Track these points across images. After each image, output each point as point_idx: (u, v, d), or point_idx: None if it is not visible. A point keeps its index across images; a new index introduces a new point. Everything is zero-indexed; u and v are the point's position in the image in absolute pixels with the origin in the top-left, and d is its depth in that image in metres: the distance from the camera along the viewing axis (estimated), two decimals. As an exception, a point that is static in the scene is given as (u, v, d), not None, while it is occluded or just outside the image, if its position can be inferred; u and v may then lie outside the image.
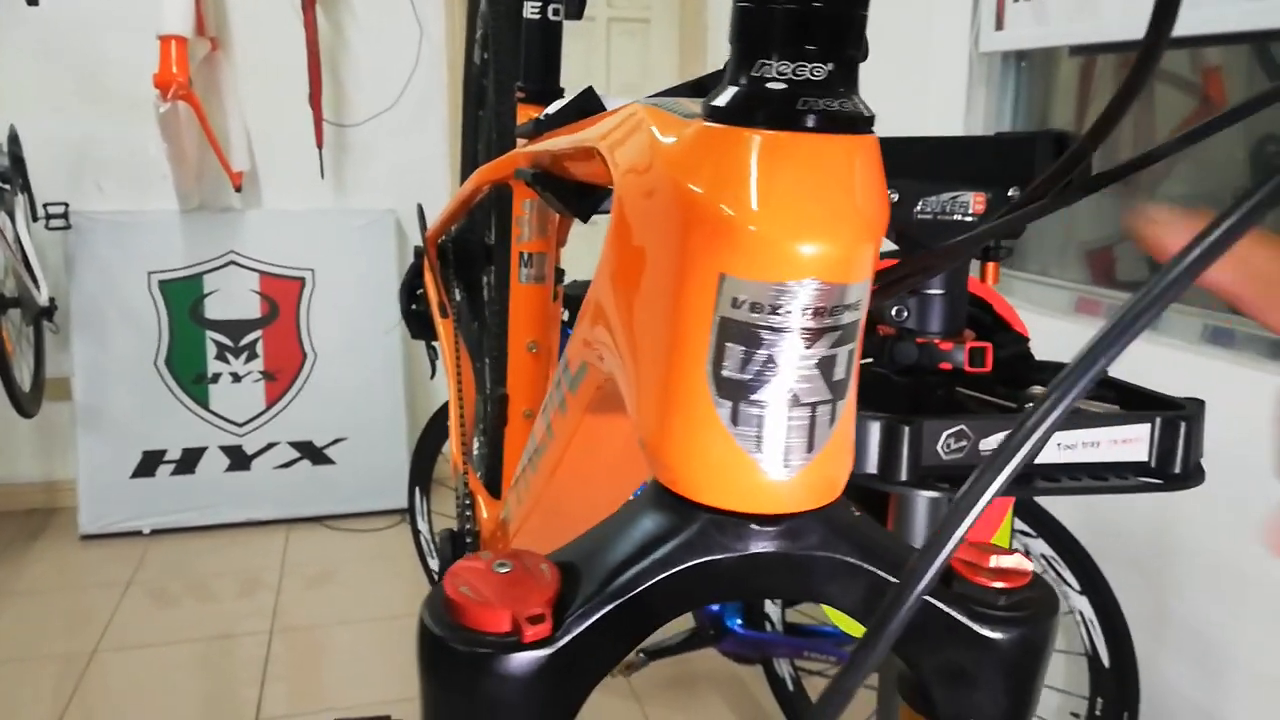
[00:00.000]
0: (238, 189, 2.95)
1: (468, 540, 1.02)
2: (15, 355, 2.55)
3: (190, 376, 2.94)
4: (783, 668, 1.81)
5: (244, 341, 2.98)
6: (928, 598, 0.34)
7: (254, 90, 2.97)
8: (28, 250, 2.62)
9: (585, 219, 0.66)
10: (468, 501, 1.06)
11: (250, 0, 2.93)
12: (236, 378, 2.98)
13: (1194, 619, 1.54)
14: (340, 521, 2.97)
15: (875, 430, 0.67)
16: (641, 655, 1.89)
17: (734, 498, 0.33)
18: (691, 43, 3.23)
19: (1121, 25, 1.65)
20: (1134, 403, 0.73)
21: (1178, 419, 0.67)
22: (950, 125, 2.04)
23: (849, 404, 0.33)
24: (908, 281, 0.36)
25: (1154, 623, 1.58)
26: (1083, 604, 1.49)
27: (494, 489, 1.07)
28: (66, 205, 2.79)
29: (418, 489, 2.39)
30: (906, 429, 0.67)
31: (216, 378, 2.96)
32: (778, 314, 0.30)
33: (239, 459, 2.97)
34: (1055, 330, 1.67)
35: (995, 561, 0.35)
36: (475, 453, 1.28)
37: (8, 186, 2.54)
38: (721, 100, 0.31)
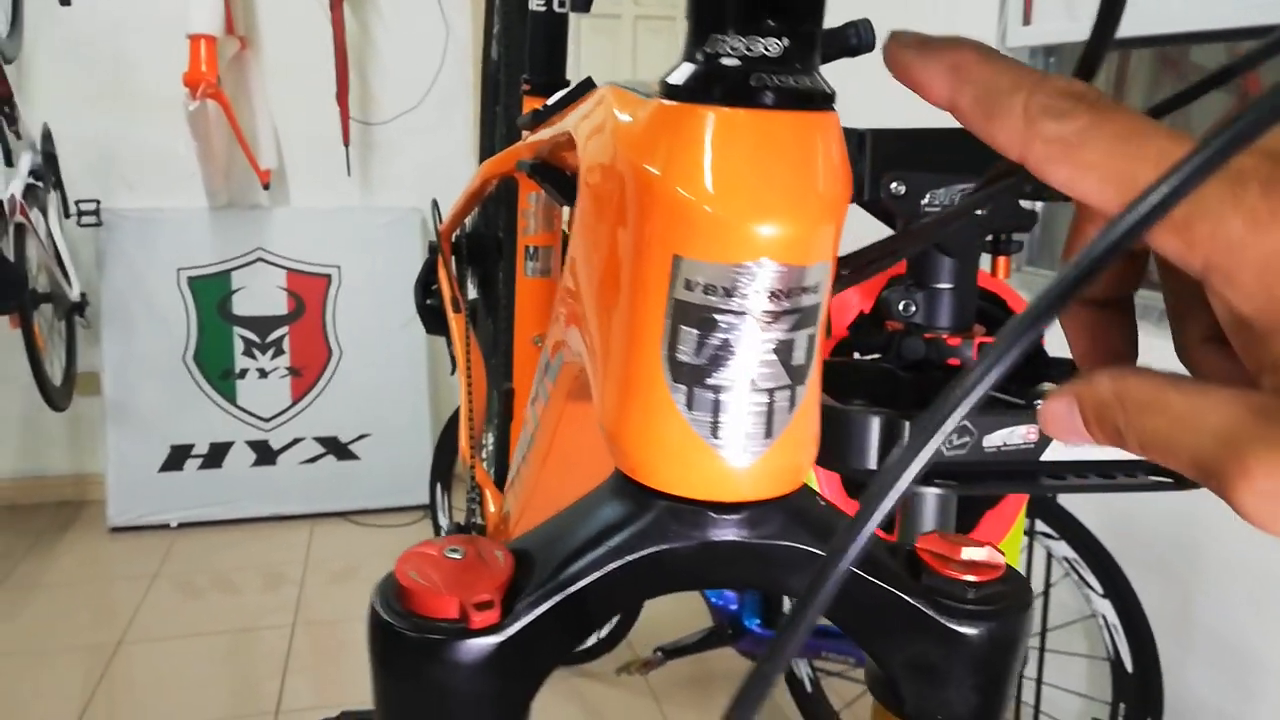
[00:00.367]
0: (266, 187, 2.98)
1: (473, 534, 1.02)
2: (47, 350, 2.60)
3: (218, 372, 2.97)
4: (801, 668, 1.79)
5: (271, 338, 3.01)
6: (895, 590, 0.33)
7: (282, 89, 3.00)
8: (60, 246, 2.66)
9: (582, 209, 0.66)
10: (475, 495, 1.06)
11: (279, -1, 2.96)
12: (263, 373, 3.00)
13: (1219, 623, 1.51)
14: (364, 517, 2.99)
15: (875, 426, 0.66)
16: (659, 654, 1.88)
17: (691, 485, 0.32)
18: (717, 40, 3.21)
19: (1155, 19, 1.62)
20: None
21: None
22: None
23: (810, 390, 0.32)
24: (874, 266, 0.35)
25: (1178, 627, 1.55)
26: (1105, 607, 1.46)
27: (502, 483, 1.07)
28: (98, 202, 2.83)
29: (439, 485, 2.40)
30: (907, 425, 0.65)
31: (244, 373, 2.99)
32: (733, 296, 0.29)
33: (265, 454, 3.00)
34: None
35: (965, 554, 0.34)
36: (489, 448, 1.28)
37: (41, 184, 2.58)
38: (676, 77, 0.30)
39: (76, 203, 2.81)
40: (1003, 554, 0.35)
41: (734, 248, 0.29)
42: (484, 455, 1.29)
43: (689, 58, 0.29)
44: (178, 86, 2.54)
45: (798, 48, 0.28)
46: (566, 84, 1.01)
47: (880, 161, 0.73)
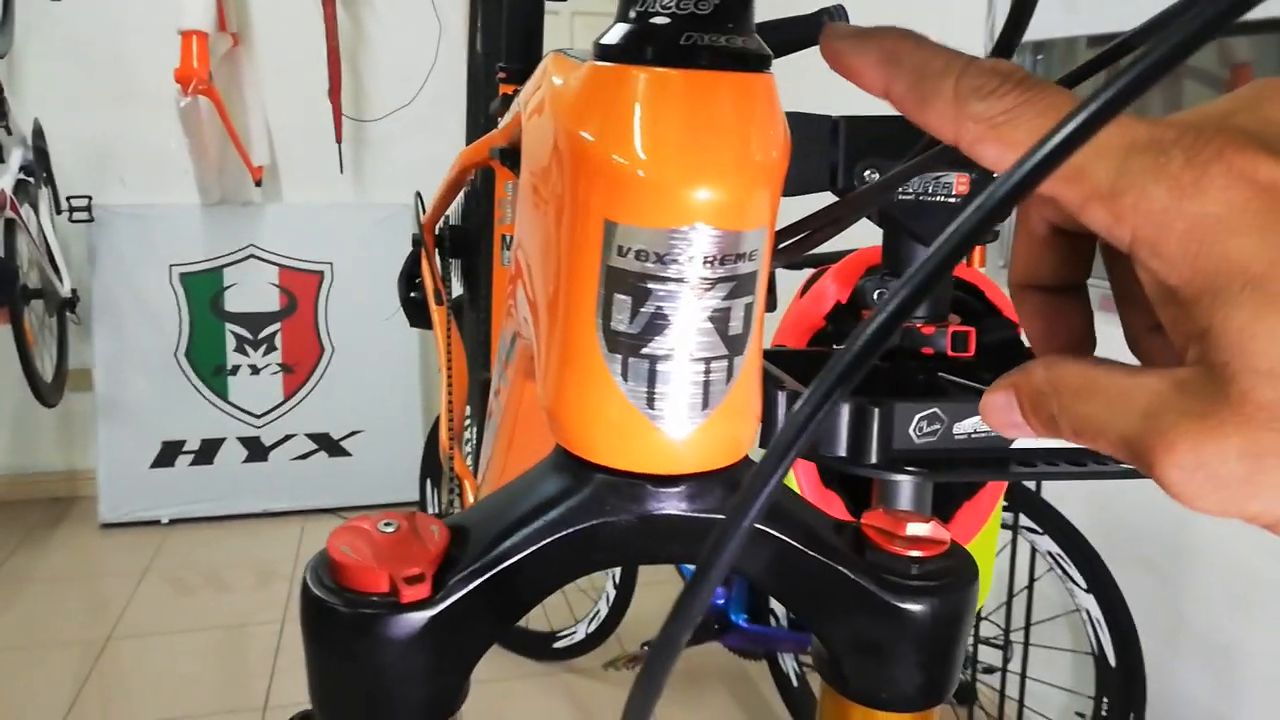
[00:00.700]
0: (258, 183, 2.97)
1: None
2: (38, 346, 2.59)
3: (210, 368, 2.96)
4: (787, 663, 1.79)
5: (263, 334, 3.00)
6: (838, 566, 0.33)
7: (274, 85, 2.99)
8: (51, 242, 2.66)
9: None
10: (456, 487, 1.06)
11: (271, -5, 2.95)
12: (255, 370, 3.00)
13: (1203, 618, 1.50)
14: (355, 513, 2.96)
15: (845, 413, 0.65)
16: (645, 648, 1.87)
17: (628, 458, 0.31)
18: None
19: (1145, 15, 1.61)
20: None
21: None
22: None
23: (750, 361, 0.32)
24: (817, 237, 0.35)
25: (1162, 622, 1.54)
26: (1089, 602, 1.46)
27: (482, 475, 1.06)
28: (89, 198, 2.82)
29: (429, 480, 2.39)
30: (877, 411, 0.65)
31: (235, 370, 2.99)
32: (666, 263, 0.29)
33: (257, 450, 2.99)
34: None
35: (910, 530, 0.34)
36: (473, 440, 1.28)
37: (32, 179, 2.57)
38: (610, 38, 0.29)
39: (68, 198, 2.80)
40: (962, 542, 0.35)
41: (667, 212, 0.28)
42: (467, 448, 1.28)
43: (622, 17, 0.29)
44: (170, 83, 2.53)
45: (730, 6, 0.28)
46: (543, 72, 1.00)
47: (854, 149, 0.73)
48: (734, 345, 0.31)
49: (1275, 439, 0.19)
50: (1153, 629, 1.49)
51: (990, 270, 1.84)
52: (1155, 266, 0.21)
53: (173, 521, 2.90)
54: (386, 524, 0.32)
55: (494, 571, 0.31)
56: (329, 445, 3.03)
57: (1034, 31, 1.91)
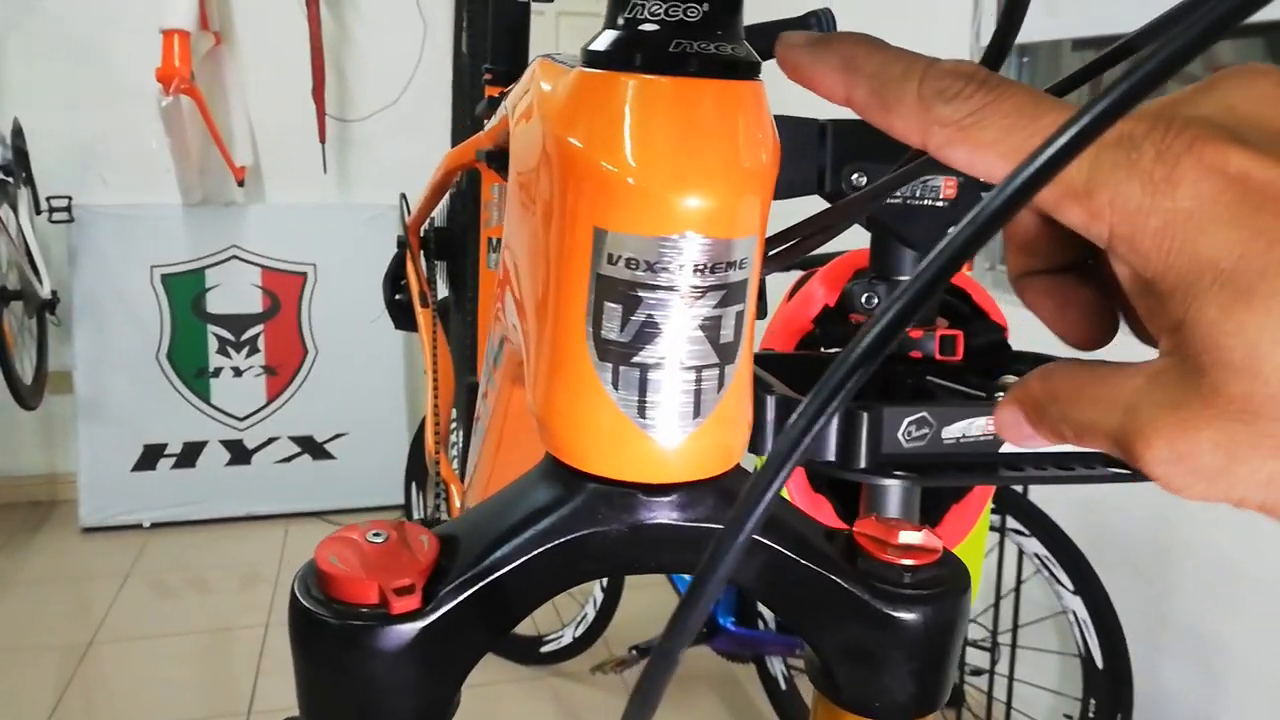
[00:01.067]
0: (240, 183, 2.95)
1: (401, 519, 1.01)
2: (17, 348, 2.56)
3: (192, 370, 2.94)
4: (775, 666, 1.79)
5: (245, 336, 2.98)
6: (830, 574, 0.33)
7: (257, 85, 2.97)
8: (30, 243, 2.63)
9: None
10: (441, 491, 1.05)
11: (254, -5, 2.93)
12: (238, 372, 2.98)
13: (1190, 619, 1.51)
14: (340, 516, 2.97)
15: (836, 418, 0.65)
16: (634, 652, 1.87)
17: (619, 467, 0.31)
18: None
19: (1131, 18, 1.62)
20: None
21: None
22: (951, 119, 2.02)
23: (741, 369, 0.31)
24: (808, 243, 0.35)
25: (1150, 624, 1.55)
26: (1076, 604, 1.47)
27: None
28: (70, 198, 2.80)
29: (414, 484, 2.38)
30: (865, 415, 0.65)
31: (218, 372, 2.97)
32: (657, 271, 0.29)
33: (239, 453, 2.97)
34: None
35: (902, 538, 0.33)
36: (459, 444, 1.27)
37: (11, 179, 2.55)
38: (598, 44, 0.29)
39: (48, 199, 2.77)
40: (950, 545, 0.35)
41: (657, 220, 0.28)
42: (453, 452, 1.28)
43: (610, 23, 0.29)
44: (151, 82, 2.51)
45: (719, 13, 0.28)
46: (529, 74, 1.00)
47: (841, 153, 0.73)
48: (725, 354, 0.30)
49: (1246, 430, 0.19)
50: (1139, 630, 1.49)
51: (978, 274, 1.84)
52: (1132, 261, 0.21)
53: (154, 525, 2.88)
54: (375, 534, 0.31)
55: (485, 582, 0.31)
56: (313, 448, 3.01)
57: (1020, 32, 1.92)
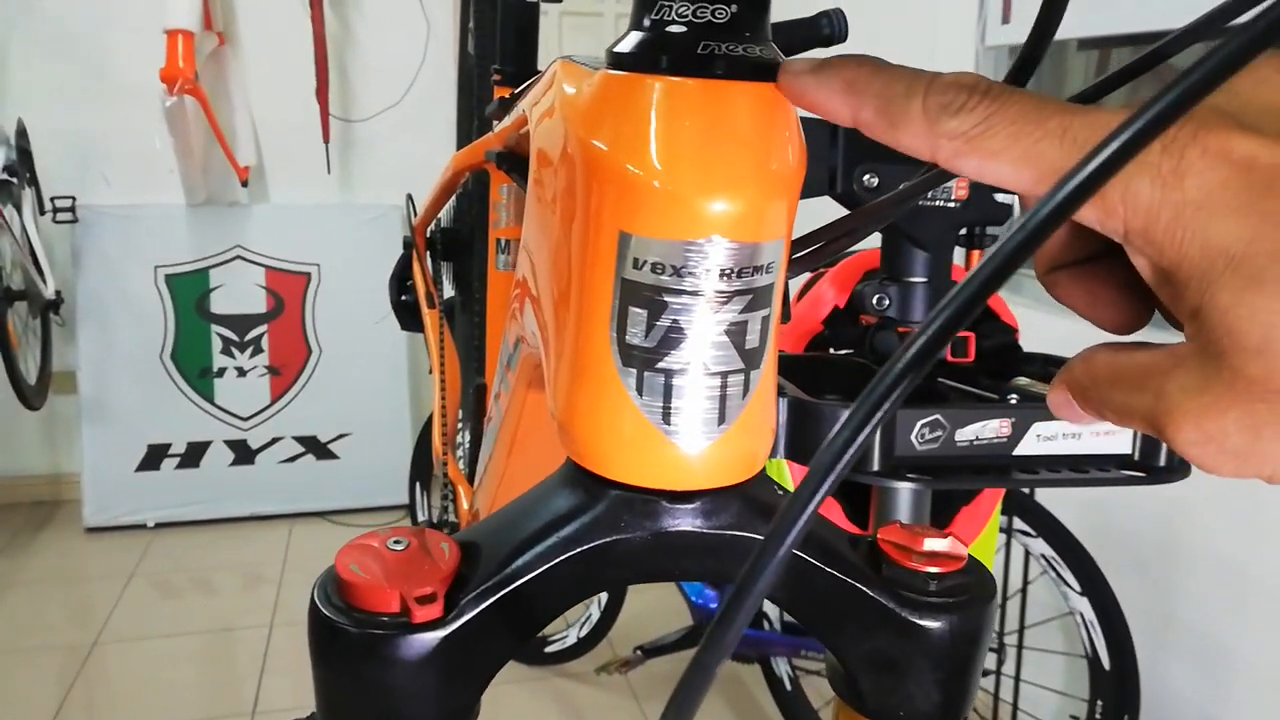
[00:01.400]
0: (244, 184, 2.95)
1: (446, 531, 1.00)
2: (21, 348, 2.56)
3: (195, 370, 2.94)
4: (780, 667, 1.79)
5: (249, 336, 2.98)
6: (854, 582, 0.32)
7: (261, 85, 2.97)
8: (34, 243, 2.63)
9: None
10: (449, 493, 1.05)
11: (258, -5, 2.93)
12: (241, 372, 2.98)
13: (1197, 620, 1.51)
14: (344, 516, 2.97)
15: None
16: (639, 653, 1.87)
17: (642, 473, 0.31)
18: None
19: (1134, 17, 1.62)
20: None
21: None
22: (956, 119, 2.01)
23: (766, 375, 0.31)
24: (832, 247, 0.34)
25: (1157, 625, 1.55)
26: (1083, 605, 1.46)
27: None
28: (74, 199, 2.79)
29: (418, 484, 2.38)
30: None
31: (222, 372, 2.96)
32: (683, 275, 0.28)
33: (243, 453, 2.97)
34: (1070, 330, 1.64)
35: (927, 545, 0.33)
36: (466, 445, 1.27)
37: (15, 180, 2.54)
38: (623, 46, 0.29)
39: (52, 199, 2.77)
40: (965, 545, 0.34)
41: (683, 224, 0.28)
42: (460, 453, 1.28)
43: (636, 25, 0.28)
44: (155, 82, 2.51)
45: (747, 14, 0.27)
46: (538, 74, 0.99)
47: (853, 153, 0.73)
48: (751, 359, 0.30)
49: (1268, 410, 0.20)
50: (1146, 631, 1.49)
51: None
52: (1149, 253, 0.22)
53: (159, 525, 2.88)
54: (396, 541, 0.31)
55: (507, 590, 0.30)
56: (317, 448, 3.01)
57: (1023, 35, 1.91)
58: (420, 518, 2.34)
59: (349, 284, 3.00)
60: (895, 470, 0.65)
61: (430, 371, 1.48)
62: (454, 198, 1.24)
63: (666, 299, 0.28)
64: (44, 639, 2.31)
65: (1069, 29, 1.81)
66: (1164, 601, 1.55)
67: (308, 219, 3.02)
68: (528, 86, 0.62)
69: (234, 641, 2.33)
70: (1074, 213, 0.18)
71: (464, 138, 1.37)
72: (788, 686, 1.78)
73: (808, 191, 0.74)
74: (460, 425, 1.22)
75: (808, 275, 0.92)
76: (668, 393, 0.30)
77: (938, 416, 0.65)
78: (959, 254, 0.81)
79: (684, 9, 0.27)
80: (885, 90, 0.25)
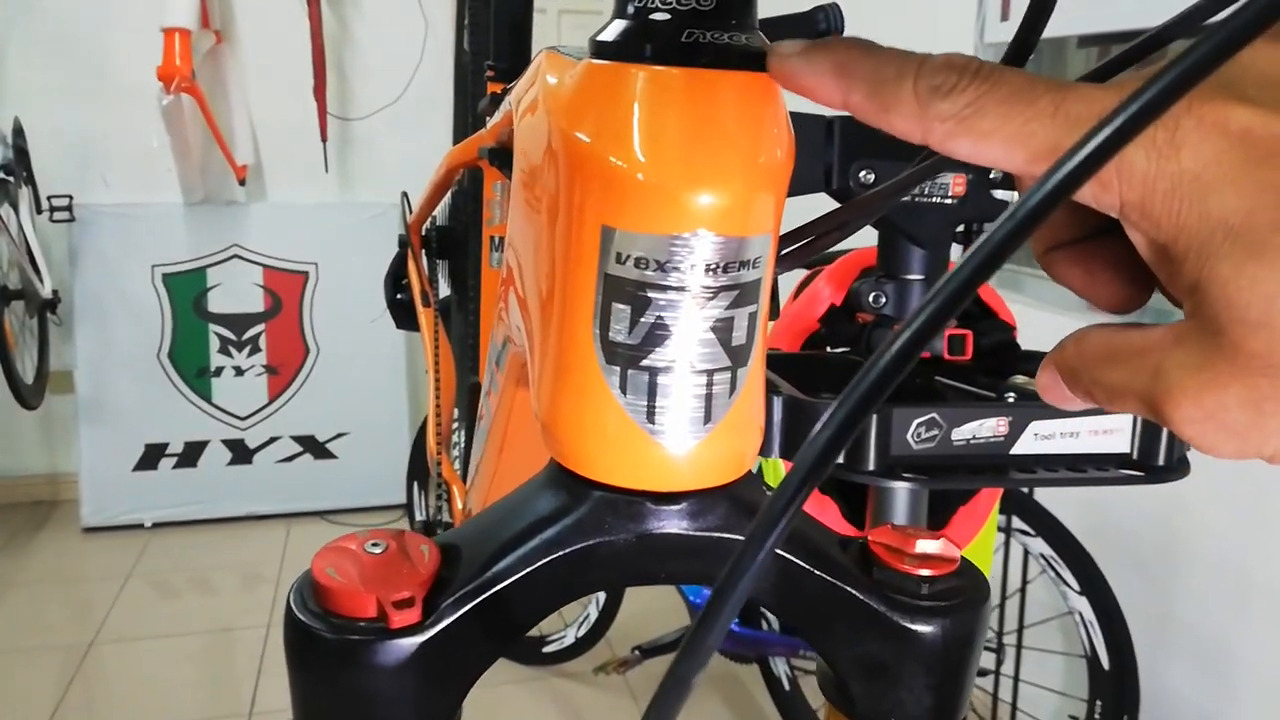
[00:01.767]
0: (242, 182, 2.94)
1: (439, 531, 1.00)
2: (18, 347, 2.56)
3: (193, 370, 2.93)
4: (779, 667, 1.78)
5: (247, 335, 2.97)
6: (844, 585, 0.32)
7: (258, 84, 2.96)
8: (31, 242, 2.62)
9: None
10: (443, 492, 1.04)
11: (255, -7, 2.92)
12: (239, 371, 2.97)
13: (1197, 620, 1.50)
14: (341, 516, 2.96)
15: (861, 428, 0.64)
16: (637, 653, 1.86)
17: (626, 474, 0.30)
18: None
19: (1133, 14, 1.61)
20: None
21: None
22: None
23: (753, 373, 0.30)
24: (822, 242, 0.34)
25: (1156, 625, 1.54)
26: (1082, 605, 1.45)
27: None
28: (71, 198, 2.79)
29: (416, 484, 2.37)
30: (874, 416, 0.64)
31: (219, 371, 2.96)
32: (667, 270, 0.27)
33: (241, 453, 2.96)
34: (1068, 327, 1.63)
35: (919, 547, 0.32)
36: (461, 444, 1.26)
37: (12, 179, 2.54)
38: (606, 35, 0.28)
39: (49, 198, 2.76)
40: (959, 547, 0.34)
41: (668, 217, 0.27)
42: (456, 452, 1.27)
43: (619, 13, 0.28)
44: (152, 80, 2.50)
45: (733, 2, 0.27)
46: (532, 70, 0.99)
47: (849, 149, 0.72)
48: (737, 356, 0.29)
49: (1271, 385, 0.20)
50: (1145, 631, 1.48)
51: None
52: (1145, 228, 0.21)
53: (156, 525, 2.87)
54: (374, 544, 0.30)
55: (488, 594, 0.30)
56: (314, 448, 3.01)
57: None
58: (418, 518, 2.33)
59: (347, 283, 2.99)
60: (891, 470, 0.64)
61: (427, 371, 1.47)
62: (449, 195, 1.24)
63: (650, 295, 0.28)
64: (41, 639, 2.31)
65: (1068, 26, 1.80)
66: (1163, 601, 1.54)
67: (305, 218, 3.01)
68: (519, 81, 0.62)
69: (232, 641, 2.32)
70: (1063, 202, 0.18)
71: (460, 134, 1.37)
72: (786, 686, 1.77)
73: (803, 188, 0.73)
74: (455, 424, 1.21)
75: (804, 272, 0.91)
76: (652, 391, 0.29)
77: (934, 415, 0.64)
78: (956, 251, 0.80)
79: None
80: (876, 73, 0.24)
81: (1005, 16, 1.93)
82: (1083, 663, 1.48)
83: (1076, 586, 1.45)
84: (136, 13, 2.72)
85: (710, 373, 0.29)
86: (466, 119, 1.32)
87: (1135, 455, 0.66)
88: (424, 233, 1.27)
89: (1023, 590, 1.58)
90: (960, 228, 0.79)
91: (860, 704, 0.33)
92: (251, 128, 2.98)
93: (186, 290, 2.92)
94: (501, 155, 0.65)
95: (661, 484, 0.30)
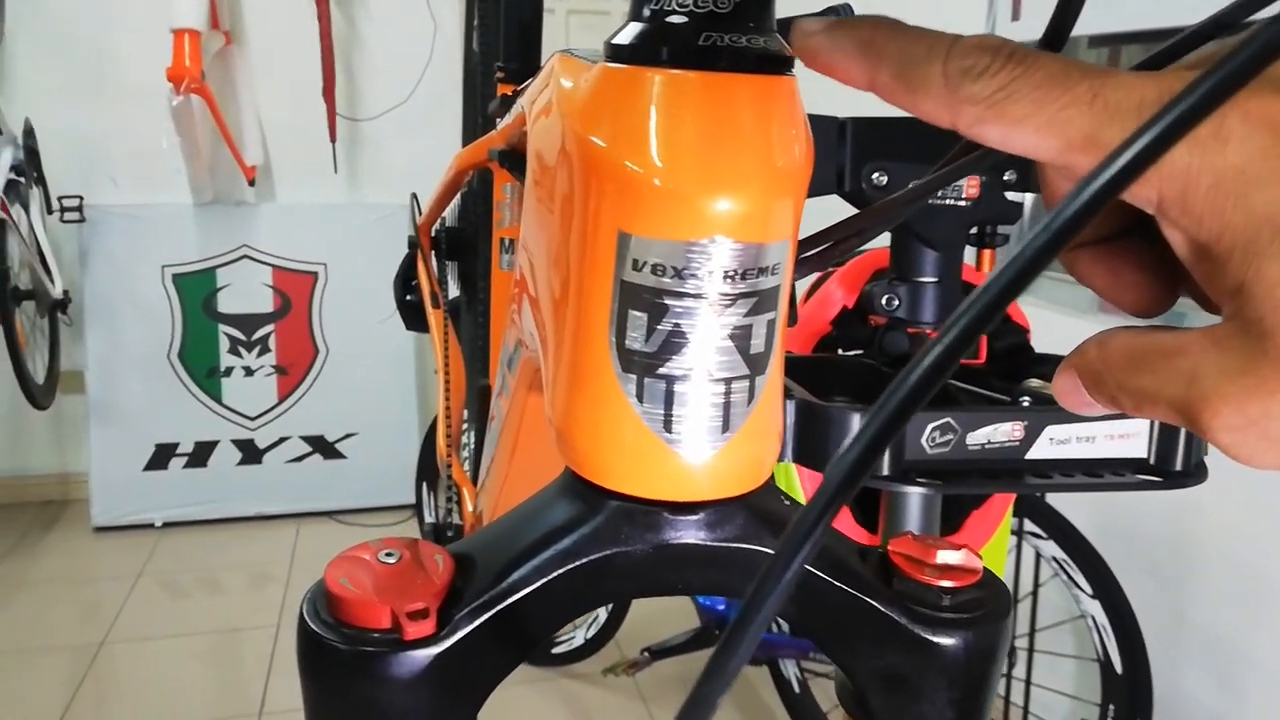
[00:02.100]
0: (251, 183, 2.95)
1: (449, 534, 0.99)
2: (29, 348, 2.56)
3: (203, 370, 2.94)
4: (789, 669, 1.77)
5: (256, 335, 2.98)
6: (864, 596, 0.31)
7: (268, 84, 2.97)
8: (42, 243, 2.63)
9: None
10: (453, 495, 1.04)
11: (264, -6, 2.92)
12: (249, 371, 2.97)
13: (1210, 623, 1.49)
14: (351, 516, 2.96)
15: (855, 422, 0.63)
16: (646, 654, 1.86)
17: (643, 484, 0.29)
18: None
19: (1145, 14, 1.60)
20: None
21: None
22: (966, 117, 2.00)
23: (772, 381, 0.30)
24: (841, 247, 0.33)
25: (1169, 628, 1.53)
26: (1095, 608, 1.44)
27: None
28: (81, 198, 2.79)
29: (425, 484, 2.37)
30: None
31: (229, 371, 2.96)
32: (684, 277, 0.27)
33: (251, 453, 2.96)
34: (1082, 331, 1.62)
35: (940, 557, 0.32)
36: (470, 446, 1.26)
37: (23, 180, 2.54)
38: (622, 38, 0.27)
39: (59, 199, 2.77)
40: (980, 557, 0.33)
41: (685, 224, 0.26)
42: (465, 454, 1.27)
43: (635, 15, 0.27)
44: (162, 81, 2.50)
45: (751, 4, 0.26)
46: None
47: (861, 151, 0.71)
48: (756, 364, 0.29)
49: None
50: (1159, 634, 1.47)
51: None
52: (1185, 225, 0.20)
53: (166, 525, 2.87)
54: (388, 554, 0.30)
55: (502, 605, 0.29)
56: (324, 448, 3.01)
57: (1033, 31, 1.90)
58: (428, 519, 2.33)
59: (356, 283, 2.99)
60: (905, 475, 0.63)
61: (436, 372, 1.47)
62: (459, 197, 1.24)
63: (668, 302, 0.27)
64: (52, 638, 2.31)
65: (1079, 26, 1.79)
66: (1177, 604, 1.53)
67: (315, 218, 3.01)
68: (530, 83, 0.61)
69: (241, 641, 2.32)
70: (1098, 213, 0.17)
71: (469, 136, 1.36)
72: (796, 689, 1.77)
73: (815, 190, 0.72)
74: (465, 426, 1.21)
75: (815, 275, 0.91)
76: (669, 400, 0.28)
77: (949, 419, 0.64)
78: (970, 253, 0.79)
79: None
80: (904, 52, 0.23)
81: (1016, 16, 1.92)
82: (1095, 666, 1.47)
83: (1089, 590, 1.44)
84: (146, 14, 2.72)
85: (728, 381, 0.28)
86: (476, 120, 1.32)
87: (1153, 460, 0.65)
88: (433, 234, 1.26)
89: (1035, 593, 1.57)
90: (974, 230, 0.78)
91: (880, 717, 0.32)
92: (261, 128, 2.98)
93: (196, 291, 2.92)
94: (512, 158, 0.65)
95: (679, 494, 0.29)
